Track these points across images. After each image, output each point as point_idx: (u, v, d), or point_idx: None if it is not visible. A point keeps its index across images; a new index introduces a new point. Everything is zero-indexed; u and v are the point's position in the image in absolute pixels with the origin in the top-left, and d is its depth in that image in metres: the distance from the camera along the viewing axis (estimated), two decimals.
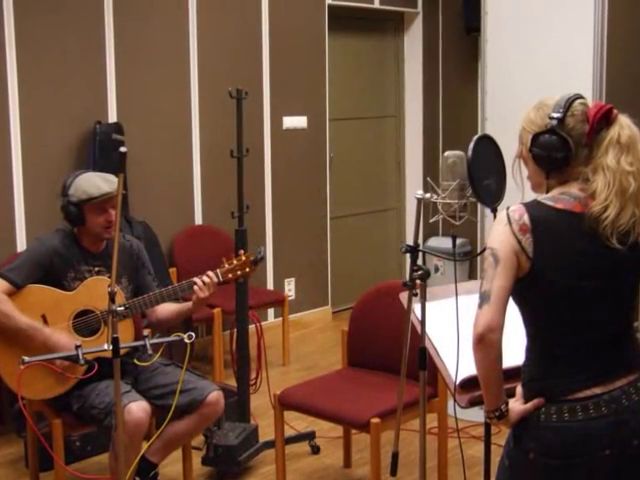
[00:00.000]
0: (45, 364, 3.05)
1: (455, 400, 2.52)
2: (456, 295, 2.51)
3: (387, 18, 6.75)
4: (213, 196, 5.42)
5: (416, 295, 2.54)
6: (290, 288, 5.99)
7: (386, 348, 3.56)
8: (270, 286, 5.86)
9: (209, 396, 3.29)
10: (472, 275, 6.53)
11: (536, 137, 2.06)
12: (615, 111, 2.06)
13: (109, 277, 2.77)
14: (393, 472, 2.69)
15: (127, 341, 3.18)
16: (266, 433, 3.97)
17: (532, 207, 2.04)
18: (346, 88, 6.47)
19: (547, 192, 2.09)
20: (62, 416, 3.28)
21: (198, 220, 5.44)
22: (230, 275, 3.30)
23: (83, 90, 4.82)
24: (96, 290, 3.27)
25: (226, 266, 3.29)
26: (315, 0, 5.96)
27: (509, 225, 2.02)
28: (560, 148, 2.03)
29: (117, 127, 4.87)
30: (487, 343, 2.00)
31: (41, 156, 4.66)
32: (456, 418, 2.79)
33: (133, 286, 3.46)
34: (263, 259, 3.34)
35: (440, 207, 2.63)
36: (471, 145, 2.46)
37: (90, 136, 4.78)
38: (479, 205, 2.71)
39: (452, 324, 2.49)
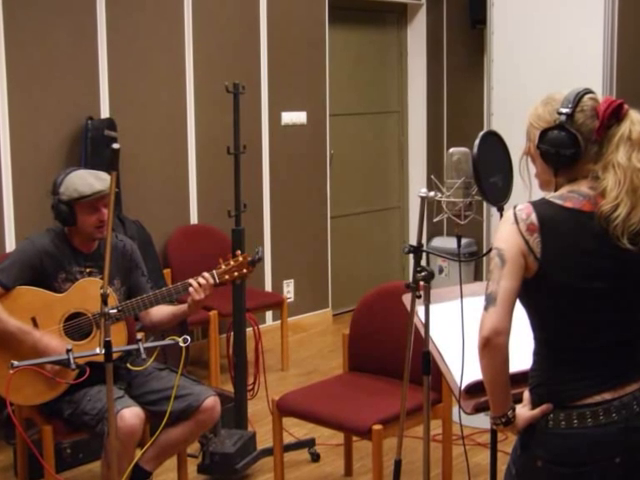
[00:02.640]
0: (35, 368, 3.05)
1: (460, 406, 2.52)
2: (461, 297, 2.51)
3: (390, 10, 6.75)
4: (209, 194, 5.42)
5: (420, 297, 2.55)
6: (289, 290, 5.99)
7: (388, 352, 3.56)
8: (268, 288, 5.86)
9: (205, 402, 3.29)
10: (478, 276, 6.53)
11: (544, 133, 2.06)
12: (626, 106, 2.06)
13: (101, 278, 2.77)
14: None
15: (120, 345, 3.18)
16: (264, 440, 3.97)
17: (540, 206, 2.04)
18: (347, 82, 6.47)
19: (555, 190, 2.09)
20: (53, 422, 3.28)
21: (194, 219, 5.44)
22: (227, 276, 3.30)
23: (74, 84, 4.82)
24: (88, 292, 3.28)
25: (223, 267, 3.30)
26: None
27: (516, 224, 2.02)
28: (569, 145, 2.03)
29: (110, 123, 4.86)
30: (493, 347, 2.00)
31: (31, 153, 4.66)
32: (461, 424, 2.79)
33: (126, 288, 3.46)
34: (261, 260, 3.34)
35: (444, 206, 2.64)
36: (477, 142, 2.46)
37: (81, 132, 4.78)
38: (485, 204, 2.71)
39: (457, 327, 2.49)
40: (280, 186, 5.85)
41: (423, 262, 2.54)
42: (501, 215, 2.33)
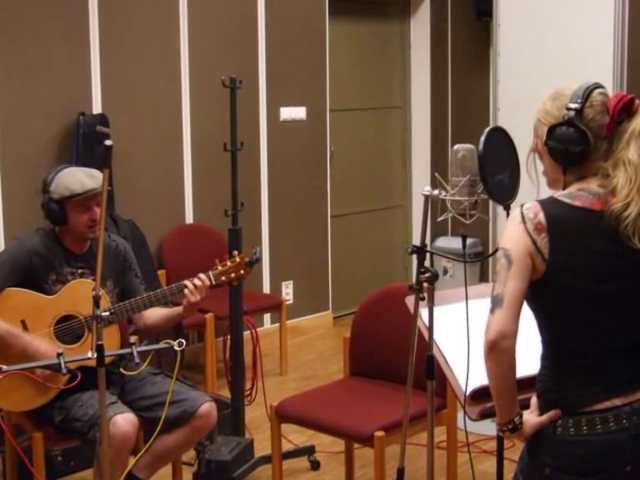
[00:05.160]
0: (24, 373, 3.05)
1: (465, 412, 2.52)
2: (466, 299, 2.51)
3: (392, 1, 6.76)
4: (205, 193, 5.42)
5: (423, 299, 2.55)
6: (288, 292, 5.99)
7: (391, 356, 3.56)
8: (266, 289, 5.86)
9: (201, 408, 3.29)
10: (483, 278, 6.53)
11: (552, 129, 2.06)
12: (637, 101, 2.06)
13: (93, 280, 2.78)
14: None
15: (113, 349, 3.18)
16: (262, 447, 3.98)
17: (548, 205, 2.04)
18: (348, 77, 6.47)
19: (564, 188, 2.09)
20: (43, 429, 3.28)
21: (189, 219, 5.44)
22: (223, 278, 3.30)
23: (65, 79, 4.83)
24: (79, 294, 3.27)
25: (219, 268, 3.30)
26: None
27: (523, 224, 2.02)
28: (578, 141, 2.03)
29: (102, 119, 4.87)
30: (499, 351, 2.00)
31: (20, 150, 4.66)
32: (466, 431, 2.79)
33: (119, 289, 3.46)
34: (259, 260, 3.34)
35: (449, 205, 2.64)
36: (482, 138, 2.46)
37: (73, 128, 4.79)
38: (491, 202, 2.71)
39: (462, 330, 2.49)
40: (279, 184, 5.85)
41: (427, 263, 2.54)
42: (507, 214, 2.33)
